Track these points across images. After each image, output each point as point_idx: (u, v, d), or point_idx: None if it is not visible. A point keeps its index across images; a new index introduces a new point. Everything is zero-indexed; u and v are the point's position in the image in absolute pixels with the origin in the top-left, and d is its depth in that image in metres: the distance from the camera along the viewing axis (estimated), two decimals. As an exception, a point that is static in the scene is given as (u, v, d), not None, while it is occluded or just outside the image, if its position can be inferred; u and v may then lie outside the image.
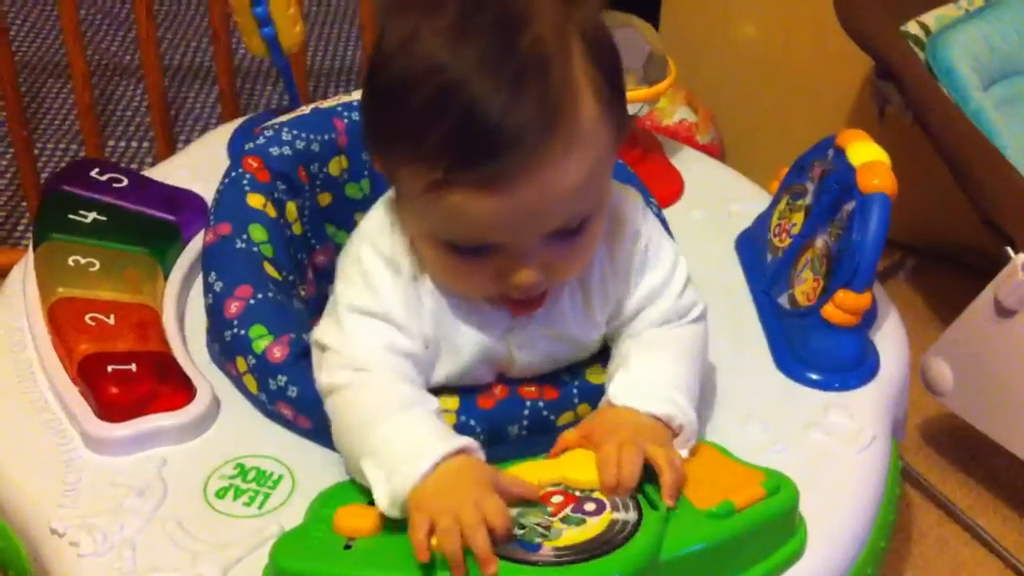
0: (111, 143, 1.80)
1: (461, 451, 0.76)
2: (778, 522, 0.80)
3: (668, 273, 0.89)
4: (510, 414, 0.87)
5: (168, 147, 1.54)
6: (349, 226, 1.07)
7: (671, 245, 0.91)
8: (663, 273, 0.89)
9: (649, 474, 0.78)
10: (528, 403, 0.88)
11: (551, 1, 0.74)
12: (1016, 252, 1.15)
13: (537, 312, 0.85)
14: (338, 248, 1.06)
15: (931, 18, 1.36)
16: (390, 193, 0.86)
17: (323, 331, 0.85)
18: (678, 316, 0.89)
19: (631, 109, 1.20)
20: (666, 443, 0.80)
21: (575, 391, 0.90)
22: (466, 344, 0.86)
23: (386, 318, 0.83)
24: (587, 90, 0.75)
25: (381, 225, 0.85)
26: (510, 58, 0.72)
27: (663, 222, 1.03)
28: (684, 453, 0.81)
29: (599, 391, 0.89)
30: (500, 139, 0.71)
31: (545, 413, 0.88)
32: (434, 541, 0.72)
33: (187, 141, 1.75)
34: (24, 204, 1.63)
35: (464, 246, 0.78)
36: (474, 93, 0.71)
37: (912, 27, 1.34)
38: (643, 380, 0.84)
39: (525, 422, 0.87)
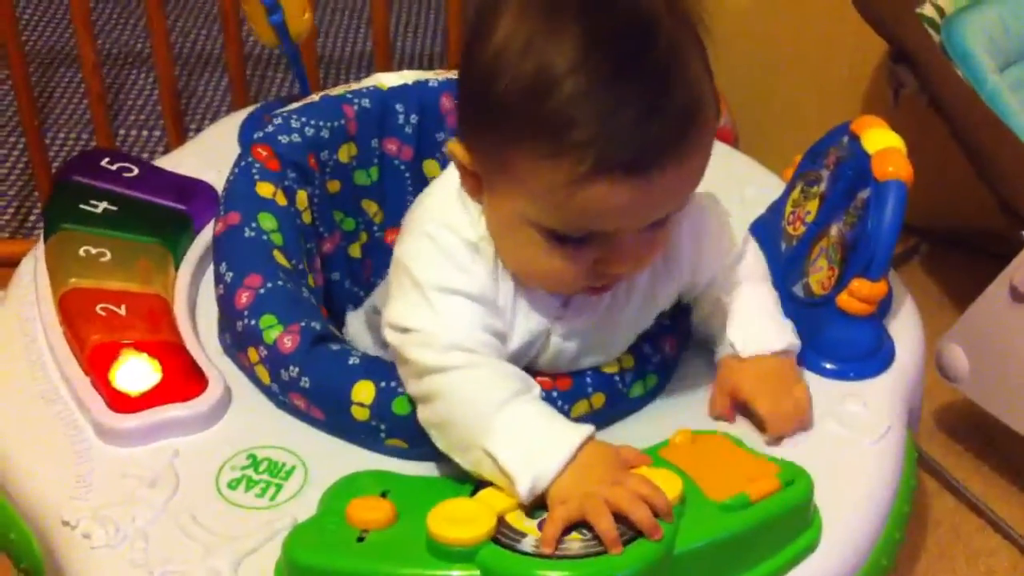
0: (122, 132, 1.80)
1: (590, 437, 0.79)
2: (793, 514, 0.80)
3: (719, 238, 0.94)
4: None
5: (179, 136, 1.54)
6: (356, 213, 1.08)
7: (711, 202, 0.94)
8: (718, 244, 0.94)
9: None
10: (542, 393, 0.87)
11: (664, 4, 0.77)
12: (1031, 236, 1.15)
13: (598, 298, 0.87)
14: (344, 236, 1.07)
15: (946, 0, 1.35)
16: (453, 181, 0.86)
17: (405, 314, 0.84)
18: (739, 259, 0.95)
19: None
20: (799, 375, 0.92)
21: (588, 380, 0.90)
22: (520, 329, 0.87)
23: (479, 299, 0.83)
24: (705, 77, 0.79)
25: (455, 210, 0.86)
26: (654, 56, 0.74)
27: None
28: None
29: (611, 380, 0.90)
30: (657, 132, 0.74)
31: (560, 403, 0.88)
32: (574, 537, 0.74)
33: (198, 129, 1.76)
34: (36, 194, 1.63)
35: (570, 236, 0.79)
36: (627, 90, 0.74)
37: (927, 9, 1.34)
38: (754, 324, 0.91)
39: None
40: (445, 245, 0.84)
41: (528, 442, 0.77)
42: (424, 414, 0.83)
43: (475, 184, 0.84)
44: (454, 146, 0.84)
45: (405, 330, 0.83)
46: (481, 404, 0.79)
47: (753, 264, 0.96)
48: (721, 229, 0.94)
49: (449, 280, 0.83)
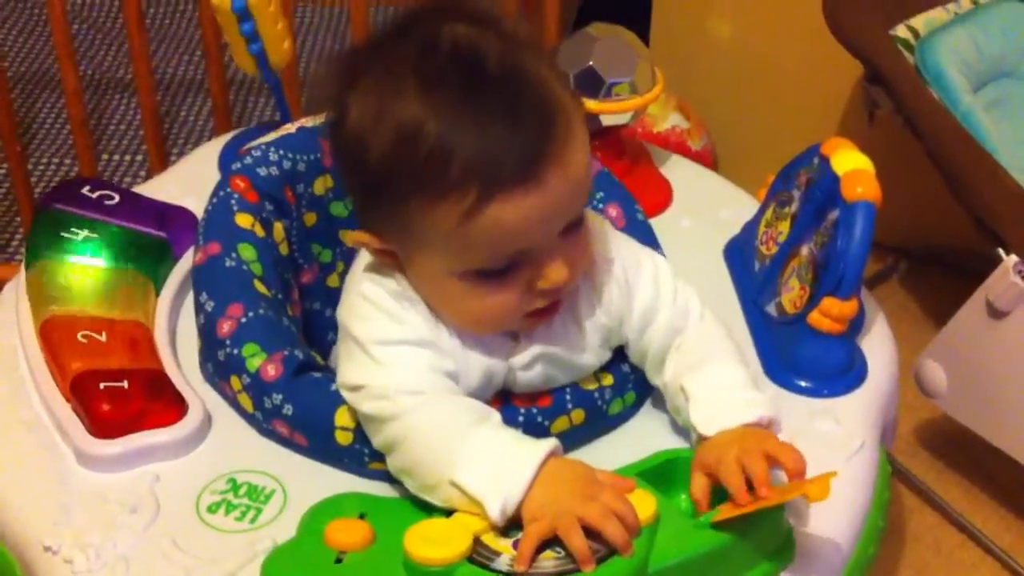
0: (105, 157, 1.80)
1: (552, 453, 0.79)
2: (766, 531, 0.80)
3: (654, 287, 0.92)
4: (505, 422, 0.87)
5: (161, 161, 1.54)
6: (334, 245, 1.08)
7: (648, 257, 0.94)
8: (650, 290, 0.92)
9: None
10: (522, 411, 0.89)
11: (489, 34, 0.80)
12: (1007, 254, 1.15)
13: (546, 324, 0.88)
14: (323, 267, 1.07)
15: (920, 22, 1.37)
16: (368, 262, 0.88)
17: (352, 373, 0.85)
18: (683, 319, 0.92)
19: (621, 119, 1.20)
20: (774, 438, 0.83)
21: (568, 397, 0.91)
22: (475, 368, 0.87)
23: (420, 343, 0.85)
24: (555, 81, 0.81)
25: (376, 271, 0.87)
26: (490, 74, 0.78)
27: (649, 232, 1.04)
28: (781, 437, 0.85)
29: (590, 397, 0.91)
30: (523, 139, 0.77)
31: (540, 419, 0.89)
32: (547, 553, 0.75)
33: (181, 154, 1.76)
34: (18, 219, 1.63)
35: (494, 268, 0.81)
36: (479, 114, 0.76)
37: (901, 31, 1.35)
38: (715, 401, 0.86)
39: (520, 429, 0.87)
40: (376, 300, 0.86)
41: (493, 465, 0.78)
42: (392, 463, 0.84)
43: (393, 260, 0.86)
44: (357, 235, 0.86)
45: (355, 388, 0.85)
46: (441, 440, 0.80)
47: (713, 336, 0.92)
48: (656, 275, 0.92)
49: (386, 333, 0.85)
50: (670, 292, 0.92)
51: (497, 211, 0.77)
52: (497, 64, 0.78)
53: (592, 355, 0.92)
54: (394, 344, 0.84)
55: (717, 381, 0.88)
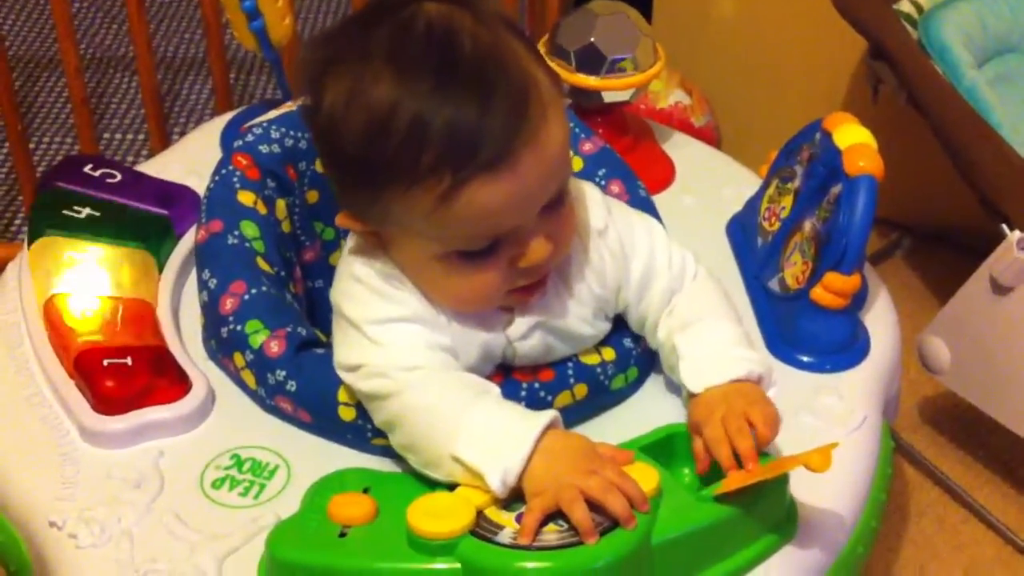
0: (106, 136, 1.80)
1: (551, 425, 0.79)
2: (769, 504, 0.80)
3: (649, 254, 0.93)
4: (507, 397, 0.88)
5: (162, 140, 1.54)
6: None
7: (642, 224, 0.94)
8: (645, 257, 0.92)
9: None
10: (524, 385, 0.89)
11: (464, 13, 0.79)
12: (1011, 229, 1.15)
13: (535, 300, 0.87)
14: (325, 245, 1.08)
15: (924, -5, 1.36)
16: (355, 243, 0.89)
17: (348, 354, 0.85)
18: (680, 281, 0.93)
19: (623, 96, 1.20)
20: (759, 398, 0.84)
21: (570, 372, 0.91)
22: (473, 342, 0.88)
23: (415, 319, 0.85)
24: (529, 59, 0.81)
25: (364, 252, 0.87)
26: (464, 59, 0.77)
27: (652, 209, 1.04)
28: (772, 394, 0.86)
29: (592, 372, 0.91)
30: (495, 123, 0.76)
31: (542, 394, 0.89)
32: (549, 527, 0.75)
33: (182, 133, 1.76)
34: (20, 199, 1.64)
35: (475, 249, 0.81)
36: (452, 99, 0.76)
37: (905, 6, 1.34)
38: (704, 357, 0.87)
39: (523, 404, 0.87)
40: (367, 280, 0.86)
41: (492, 438, 0.78)
42: (394, 440, 0.84)
43: (377, 240, 0.86)
44: (341, 218, 0.87)
45: (353, 368, 0.85)
46: (441, 415, 0.80)
47: (707, 293, 0.93)
48: (651, 241, 0.93)
49: (380, 312, 0.85)
50: (665, 257, 0.93)
51: (472, 195, 0.77)
52: (471, 45, 0.77)
53: (589, 325, 0.92)
54: (388, 322, 0.85)
55: (707, 338, 0.89)
